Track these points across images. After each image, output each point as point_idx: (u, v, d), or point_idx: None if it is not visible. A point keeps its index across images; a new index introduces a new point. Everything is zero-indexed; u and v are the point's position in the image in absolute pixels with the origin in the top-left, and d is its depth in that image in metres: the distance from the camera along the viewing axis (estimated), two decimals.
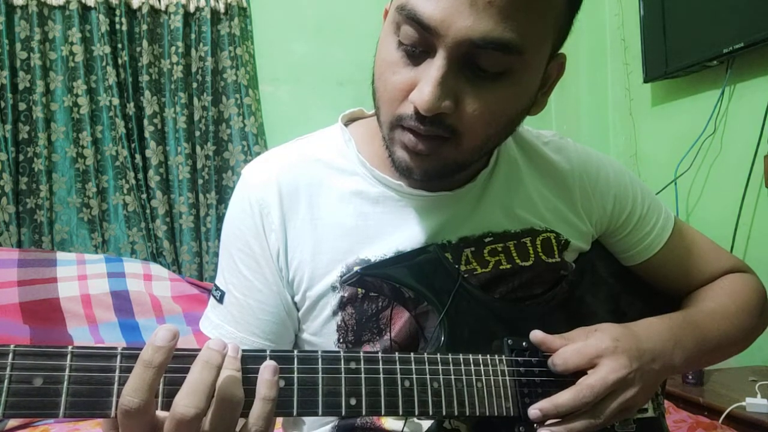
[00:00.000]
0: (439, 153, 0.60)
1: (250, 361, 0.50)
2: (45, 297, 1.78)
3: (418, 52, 0.57)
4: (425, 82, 0.56)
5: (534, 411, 0.59)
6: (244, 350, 0.50)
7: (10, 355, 0.43)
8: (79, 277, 1.87)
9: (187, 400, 0.44)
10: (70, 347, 0.44)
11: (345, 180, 0.70)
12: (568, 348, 0.62)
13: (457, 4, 0.53)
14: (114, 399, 0.45)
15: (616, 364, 0.61)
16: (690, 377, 1.56)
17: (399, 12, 0.56)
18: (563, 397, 0.59)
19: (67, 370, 0.44)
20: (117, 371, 0.45)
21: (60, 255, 1.92)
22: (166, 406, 0.46)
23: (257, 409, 0.48)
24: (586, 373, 0.61)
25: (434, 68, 0.55)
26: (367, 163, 0.70)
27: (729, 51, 1.70)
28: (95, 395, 0.44)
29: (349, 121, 0.77)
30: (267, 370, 0.49)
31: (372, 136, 0.70)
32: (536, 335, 0.64)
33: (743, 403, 1.36)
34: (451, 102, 0.57)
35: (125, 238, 2.15)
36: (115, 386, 0.45)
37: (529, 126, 0.79)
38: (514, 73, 0.57)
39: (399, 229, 0.69)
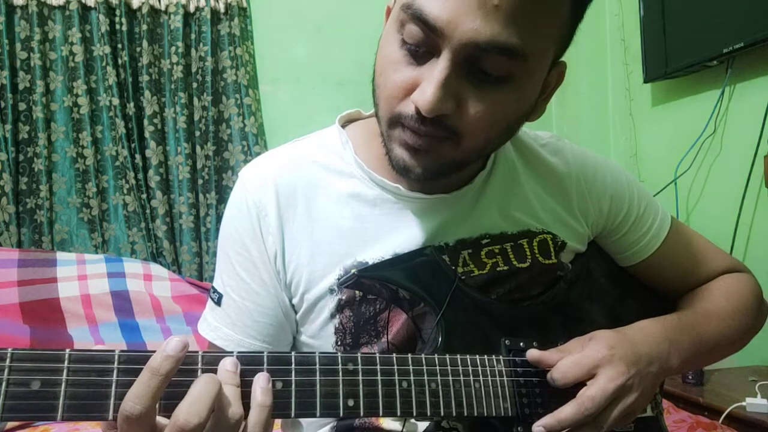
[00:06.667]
0: (438, 151, 0.60)
1: (247, 368, 0.50)
2: (45, 297, 1.78)
3: (421, 51, 0.57)
4: (428, 83, 0.55)
5: (538, 429, 0.58)
6: (241, 352, 0.50)
7: (8, 359, 0.43)
8: (79, 277, 1.87)
9: (190, 409, 0.44)
10: (67, 351, 0.44)
11: (342, 182, 0.70)
12: (566, 361, 0.61)
13: (465, 5, 0.52)
14: (111, 402, 0.45)
15: (614, 372, 0.60)
16: (690, 377, 1.56)
17: (404, 11, 0.56)
18: (566, 412, 0.58)
19: (65, 373, 0.44)
20: (114, 374, 0.45)
21: (60, 255, 1.92)
22: (164, 409, 0.46)
23: (254, 416, 0.48)
24: (585, 384, 0.60)
25: (438, 69, 0.55)
26: (365, 165, 0.70)
27: (729, 51, 1.70)
28: (93, 398, 0.44)
29: (347, 122, 0.77)
30: (261, 378, 0.49)
31: (369, 137, 0.70)
32: (532, 355, 0.63)
33: (743, 403, 1.36)
34: (453, 104, 0.57)
35: (125, 238, 2.15)
36: (113, 389, 0.45)
37: (528, 126, 0.79)
38: (516, 79, 0.57)
39: (396, 231, 0.69)
